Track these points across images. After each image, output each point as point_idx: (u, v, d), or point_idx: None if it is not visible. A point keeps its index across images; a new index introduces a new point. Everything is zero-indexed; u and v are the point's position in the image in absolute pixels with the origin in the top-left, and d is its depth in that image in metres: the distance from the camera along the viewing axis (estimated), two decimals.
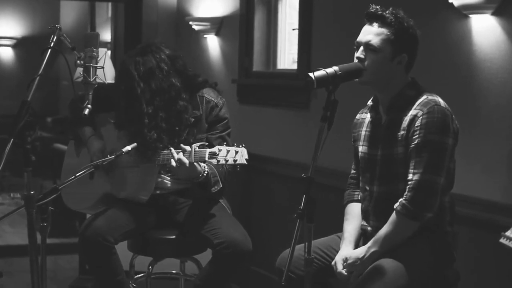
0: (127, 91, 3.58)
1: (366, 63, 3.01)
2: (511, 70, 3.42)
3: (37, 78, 2.78)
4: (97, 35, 3.15)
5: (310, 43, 4.76)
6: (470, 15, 3.56)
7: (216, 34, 5.82)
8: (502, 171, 3.48)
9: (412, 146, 2.96)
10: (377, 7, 3.05)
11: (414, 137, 2.96)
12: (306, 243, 2.77)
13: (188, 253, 3.73)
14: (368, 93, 3.25)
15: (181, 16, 6.27)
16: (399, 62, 3.03)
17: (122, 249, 3.72)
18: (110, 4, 7.89)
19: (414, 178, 2.94)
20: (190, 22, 5.86)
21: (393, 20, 2.99)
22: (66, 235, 6.42)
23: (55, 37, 2.91)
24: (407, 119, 2.99)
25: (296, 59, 5.24)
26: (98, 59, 3.10)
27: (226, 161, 3.19)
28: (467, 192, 3.56)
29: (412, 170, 2.95)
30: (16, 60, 9.31)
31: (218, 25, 5.77)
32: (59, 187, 3.23)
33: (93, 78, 3.09)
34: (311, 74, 2.80)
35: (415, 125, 2.96)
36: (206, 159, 3.23)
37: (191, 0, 6.16)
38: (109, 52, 5.64)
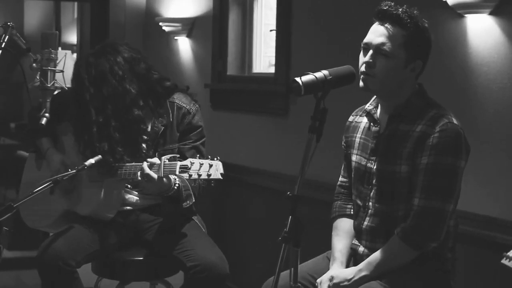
0: (77, 97, 3.24)
1: (375, 69, 2.68)
2: (510, 75, 3.17)
3: None
4: (55, 34, 2.81)
5: (289, 45, 4.46)
6: (466, 15, 3.30)
7: (188, 36, 5.51)
8: (501, 184, 3.23)
9: (420, 167, 2.64)
10: (391, 3, 2.70)
11: (423, 157, 2.64)
12: (292, 270, 2.45)
13: (158, 275, 3.42)
14: (363, 98, 2.93)
15: (150, 16, 5.96)
16: (412, 69, 2.70)
17: (86, 271, 3.39)
18: (76, 4, 7.55)
19: (420, 204, 2.63)
20: (160, 23, 5.55)
21: (408, 20, 2.65)
22: (28, 247, 6.04)
23: (7, 36, 2.56)
24: (415, 135, 2.67)
25: (272, 62, 4.97)
26: (57, 61, 2.76)
27: (199, 175, 2.88)
28: (464, 208, 3.27)
29: (419, 194, 2.64)
30: None
31: (189, 26, 5.46)
32: (14, 205, 2.93)
33: (51, 83, 2.75)
34: (298, 79, 2.48)
35: (426, 144, 2.63)
36: (177, 173, 2.92)
37: (161, 0, 5.84)
38: (70, 54, 5.29)
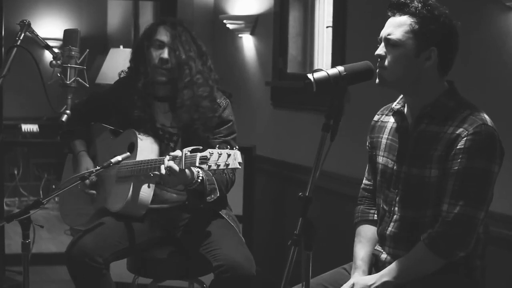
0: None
1: (386, 61, 2.56)
2: None
3: (1, 80, 2.45)
4: (77, 31, 2.80)
5: (344, 41, 4.35)
6: None
7: (252, 34, 5.46)
8: None
9: (451, 171, 2.48)
10: None
11: (455, 161, 2.47)
12: (304, 275, 2.35)
13: (190, 274, 3.36)
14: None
15: (217, 14, 5.92)
16: (427, 58, 2.53)
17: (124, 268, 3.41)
18: (152, 3, 7.62)
19: (449, 210, 2.48)
20: (224, 21, 5.51)
21: (418, 7, 2.51)
22: None
23: (23, 34, 2.57)
24: (446, 137, 2.50)
25: None
26: (79, 59, 2.75)
27: (218, 165, 2.83)
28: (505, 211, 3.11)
29: (449, 200, 2.48)
30: None
31: (253, 23, 5.39)
32: (43, 201, 2.94)
33: (71, 81, 2.74)
34: (310, 76, 2.39)
35: (457, 147, 2.47)
36: (197, 164, 2.87)
37: None
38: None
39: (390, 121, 2.74)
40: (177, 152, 3.01)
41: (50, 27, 8.95)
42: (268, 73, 5.20)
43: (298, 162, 4.83)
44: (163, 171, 3.00)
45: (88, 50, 2.80)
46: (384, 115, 2.80)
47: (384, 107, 2.82)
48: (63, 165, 3.69)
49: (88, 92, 3.32)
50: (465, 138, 2.46)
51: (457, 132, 2.48)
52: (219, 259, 3.09)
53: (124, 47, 6.62)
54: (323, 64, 5.03)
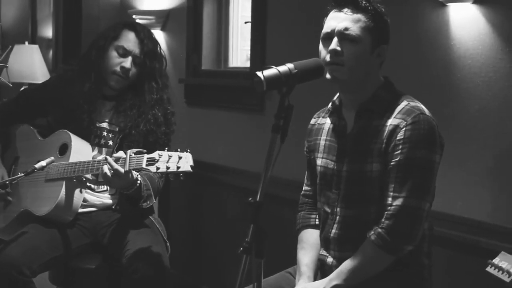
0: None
1: (343, 57, 2.46)
2: (496, 68, 2.98)
3: None
4: None
5: (264, 37, 4.25)
6: (448, 4, 3.11)
7: (162, 29, 5.28)
8: (486, 186, 3.02)
9: (392, 163, 2.42)
10: None
11: (395, 153, 2.42)
12: (255, 284, 2.23)
13: (120, 285, 3.18)
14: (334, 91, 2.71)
15: (124, 9, 5.71)
16: (378, 55, 2.51)
17: (44, 281, 3.20)
18: None
19: (394, 203, 2.41)
20: (134, 16, 5.31)
21: (367, 4, 2.47)
22: None
23: None
24: (385, 129, 2.45)
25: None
26: (1, 56, 2.54)
27: (168, 167, 2.71)
28: (447, 210, 3.09)
29: (392, 193, 2.42)
30: None
31: (163, 18, 5.22)
32: None
33: None
34: (259, 74, 2.27)
35: (397, 138, 2.41)
36: (144, 166, 2.74)
37: None
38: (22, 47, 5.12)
39: (327, 122, 2.68)
40: (121, 153, 2.89)
41: None
42: (181, 70, 5.05)
43: (213, 161, 4.71)
44: (107, 171, 2.85)
45: (10, 46, 2.58)
46: (320, 118, 2.74)
47: (320, 110, 2.76)
48: None
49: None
50: (404, 129, 2.42)
51: (395, 123, 2.44)
52: (128, 260, 3.00)
53: (29, 43, 6.33)
54: (238, 61, 4.92)
